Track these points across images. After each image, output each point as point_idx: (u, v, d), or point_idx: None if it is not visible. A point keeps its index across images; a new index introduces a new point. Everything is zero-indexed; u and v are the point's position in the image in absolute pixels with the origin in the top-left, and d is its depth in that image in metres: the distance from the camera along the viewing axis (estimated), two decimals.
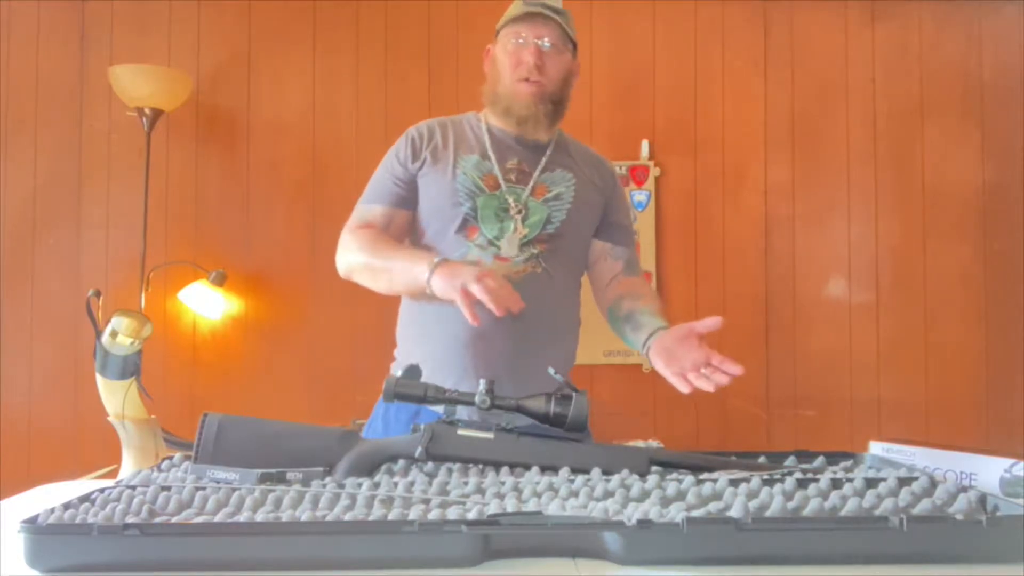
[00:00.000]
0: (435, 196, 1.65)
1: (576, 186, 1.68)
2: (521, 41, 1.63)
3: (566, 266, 1.67)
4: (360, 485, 1.06)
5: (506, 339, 1.58)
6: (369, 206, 1.69)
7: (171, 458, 1.28)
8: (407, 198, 1.68)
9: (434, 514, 0.95)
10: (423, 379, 1.25)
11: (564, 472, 1.13)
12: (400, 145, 1.70)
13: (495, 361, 1.58)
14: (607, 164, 1.80)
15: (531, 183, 1.65)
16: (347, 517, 0.94)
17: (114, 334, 1.74)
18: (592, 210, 1.72)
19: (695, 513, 0.92)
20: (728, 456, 1.22)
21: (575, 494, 1.02)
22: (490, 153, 1.66)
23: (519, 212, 1.62)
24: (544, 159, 1.68)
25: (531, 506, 0.97)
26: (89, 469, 2.32)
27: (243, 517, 0.95)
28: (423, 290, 1.50)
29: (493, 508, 0.95)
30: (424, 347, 1.62)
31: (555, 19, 1.64)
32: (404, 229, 1.70)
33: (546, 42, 1.63)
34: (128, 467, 1.80)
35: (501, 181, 1.64)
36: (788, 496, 0.99)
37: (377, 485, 1.07)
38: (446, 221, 1.64)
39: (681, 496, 1.01)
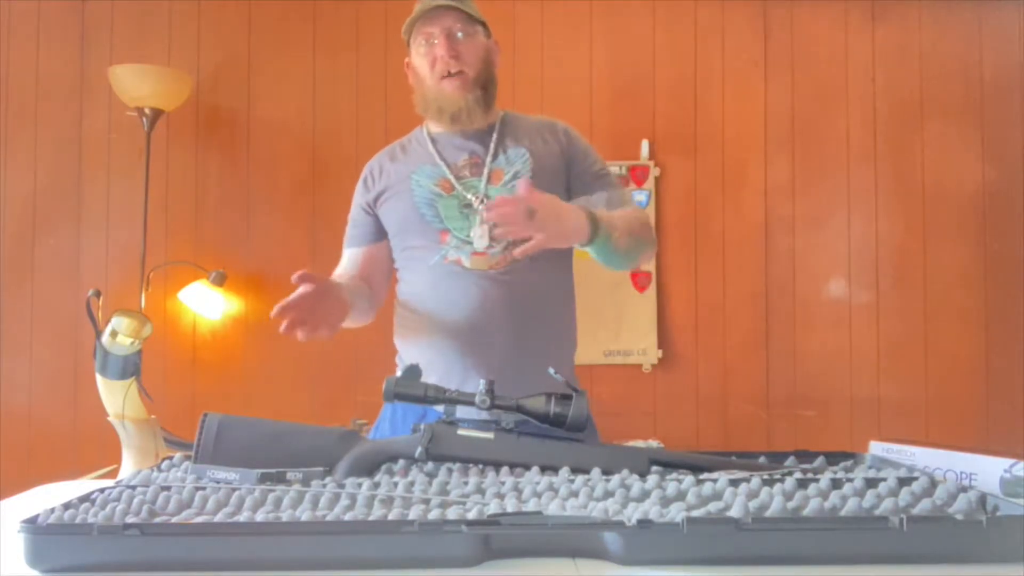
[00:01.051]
0: (400, 216, 1.68)
1: (532, 158, 1.67)
2: (434, 41, 1.63)
3: None
4: (360, 485, 1.06)
5: (503, 332, 1.59)
6: (344, 251, 1.78)
7: (171, 458, 1.28)
8: (373, 232, 1.73)
9: (434, 514, 0.95)
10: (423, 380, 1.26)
11: (564, 472, 1.13)
12: (358, 186, 1.76)
13: (496, 356, 1.59)
14: (558, 124, 1.77)
15: (485, 172, 1.66)
16: (347, 517, 0.94)
17: (114, 334, 1.73)
18: (555, 176, 1.69)
19: (695, 513, 0.92)
20: (728, 456, 1.22)
21: (575, 494, 1.02)
22: (437, 159, 1.68)
23: (482, 203, 1.62)
24: (492, 144, 1.68)
25: (531, 506, 0.97)
26: (89, 469, 2.32)
27: (243, 517, 0.95)
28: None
29: (493, 508, 0.95)
30: (423, 354, 1.63)
31: (455, 6, 1.63)
32: (378, 260, 1.74)
33: (457, 32, 1.63)
34: (128, 467, 1.80)
35: (454, 182, 1.65)
36: (788, 496, 0.99)
37: (377, 485, 1.07)
38: (416, 235, 1.66)
39: (681, 496, 1.01)
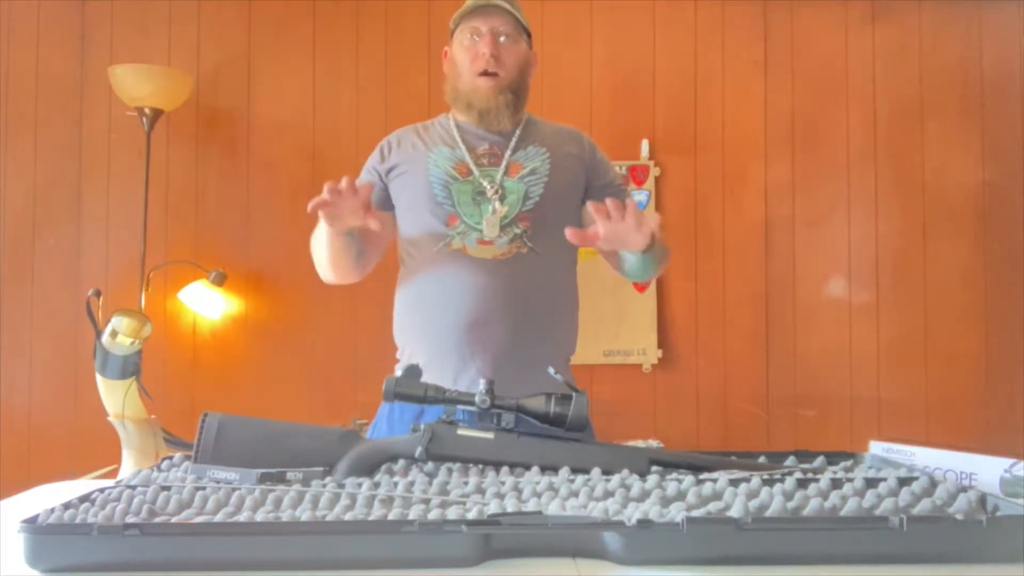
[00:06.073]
0: (412, 194, 1.70)
1: (551, 159, 1.71)
2: (477, 37, 1.67)
3: (554, 242, 1.68)
4: (360, 485, 1.06)
5: (502, 321, 1.60)
6: None
7: (171, 458, 1.29)
8: (378, 199, 1.73)
9: (434, 514, 0.95)
10: (424, 373, 1.26)
11: (564, 472, 1.13)
12: (374, 153, 1.78)
13: (493, 345, 1.60)
14: (581, 134, 1.82)
15: (504, 164, 1.69)
16: (347, 517, 0.94)
17: (114, 334, 1.73)
18: (572, 180, 1.73)
19: (695, 513, 0.92)
20: (728, 456, 1.22)
21: (575, 494, 1.02)
22: (459, 144, 1.70)
23: (496, 193, 1.65)
24: (514, 140, 1.72)
25: (531, 506, 0.97)
26: (89, 469, 2.31)
27: (243, 517, 0.95)
28: (336, 240, 1.55)
29: (493, 508, 0.95)
30: (422, 339, 1.65)
31: (507, 10, 1.67)
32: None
33: (501, 35, 1.67)
34: (128, 467, 1.80)
35: (473, 167, 1.68)
36: (788, 496, 0.99)
37: (377, 485, 1.07)
38: (426, 214, 1.67)
39: (681, 496, 1.01)
